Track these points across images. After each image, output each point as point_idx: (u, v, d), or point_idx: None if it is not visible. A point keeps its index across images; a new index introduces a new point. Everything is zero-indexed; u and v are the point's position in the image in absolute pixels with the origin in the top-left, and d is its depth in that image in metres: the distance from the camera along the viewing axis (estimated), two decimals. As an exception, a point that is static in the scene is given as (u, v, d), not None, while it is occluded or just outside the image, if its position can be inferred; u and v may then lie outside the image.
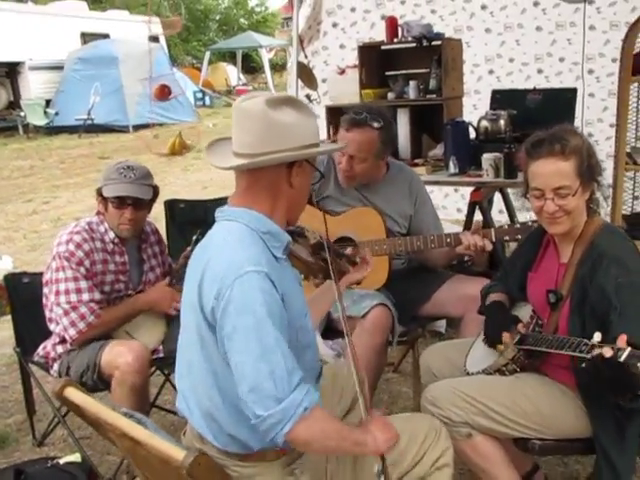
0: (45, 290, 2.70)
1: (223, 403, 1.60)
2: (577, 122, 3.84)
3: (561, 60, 5.01)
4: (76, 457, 2.68)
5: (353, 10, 5.12)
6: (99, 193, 2.69)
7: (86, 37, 18.63)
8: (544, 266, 2.21)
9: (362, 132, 2.73)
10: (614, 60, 3.64)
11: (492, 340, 2.17)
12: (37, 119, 16.23)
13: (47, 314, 2.71)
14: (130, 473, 2.69)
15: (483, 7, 5.07)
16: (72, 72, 16.44)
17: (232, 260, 1.56)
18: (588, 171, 2.00)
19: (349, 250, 2.41)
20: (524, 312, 2.23)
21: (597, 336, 1.76)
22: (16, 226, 7.62)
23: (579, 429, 2.05)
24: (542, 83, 5.03)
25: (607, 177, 3.62)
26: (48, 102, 16.57)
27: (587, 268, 2.00)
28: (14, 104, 17.16)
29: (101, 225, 2.72)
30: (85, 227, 2.68)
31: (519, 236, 2.55)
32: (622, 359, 1.62)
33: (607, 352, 1.67)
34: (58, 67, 16.92)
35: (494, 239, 2.62)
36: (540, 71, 5.15)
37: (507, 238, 2.64)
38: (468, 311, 2.70)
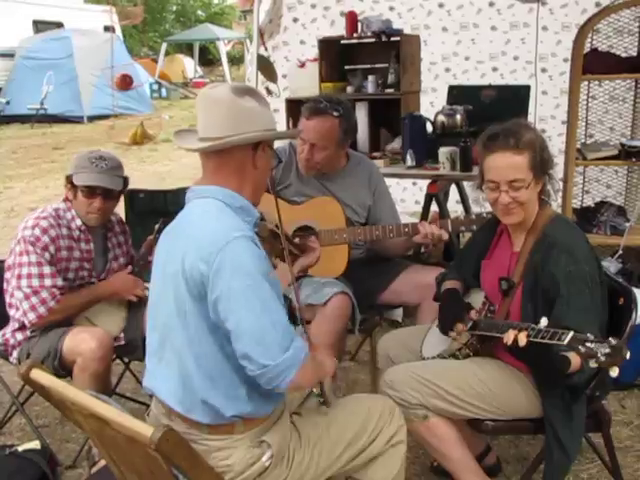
0: (7, 275, 2.68)
1: (198, 370, 1.66)
2: (531, 118, 3.99)
3: (515, 59, 5.18)
4: (35, 444, 2.69)
5: (313, 6, 5.18)
6: (69, 180, 2.69)
7: (39, 25, 18.21)
8: (497, 254, 2.30)
9: (323, 120, 2.78)
10: (565, 60, 3.80)
11: (445, 328, 2.25)
12: (-13, 107, 15.82)
13: (7, 299, 2.69)
14: (90, 459, 2.69)
15: (440, 5, 5.19)
16: (24, 60, 16.04)
17: (217, 229, 1.64)
18: (540, 165, 2.09)
19: (299, 240, 2.48)
20: (477, 299, 2.33)
21: (544, 321, 1.86)
22: (-33, 216, 7.44)
23: (530, 410, 2.15)
24: (497, 80, 5.18)
25: (558, 172, 3.77)
26: (-1, 90, 16.19)
27: (539, 256, 2.10)
28: (-37, 92, 16.71)
29: (68, 212, 2.72)
30: (52, 213, 2.68)
31: (474, 227, 2.64)
32: (565, 341, 1.72)
33: (522, 339, 1.81)
34: (9, 54, 16.49)
35: (450, 229, 2.71)
36: (495, 69, 5.32)
37: (463, 228, 2.74)
38: (424, 299, 2.79)
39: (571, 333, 1.71)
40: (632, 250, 3.83)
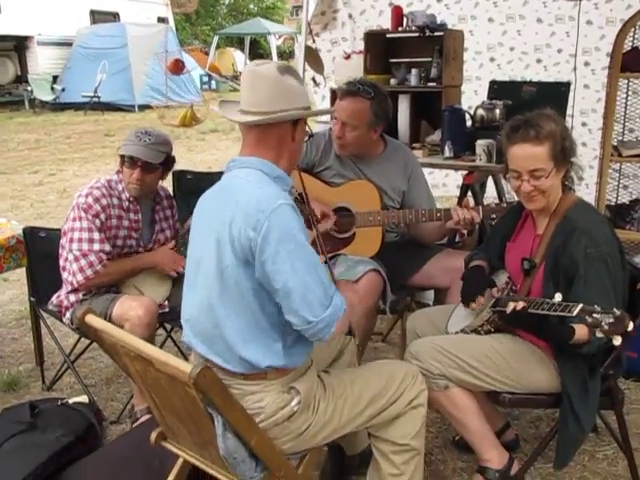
0: (62, 240, 2.89)
1: (236, 326, 1.81)
2: (572, 111, 4.02)
3: (559, 51, 5.21)
4: (83, 399, 2.90)
5: None
6: (118, 153, 2.90)
7: (95, 15, 18.76)
8: (521, 237, 2.41)
9: (354, 101, 2.92)
10: (609, 54, 3.83)
11: (466, 300, 2.38)
12: (44, 94, 16.40)
13: (61, 263, 2.90)
14: (133, 416, 2.90)
15: None
16: (80, 49, 16.60)
17: (262, 196, 1.78)
18: (561, 154, 2.18)
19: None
20: (501, 279, 2.44)
21: (558, 296, 1.97)
22: (23, 195, 7.81)
23: (546, 384, 2.26)
24: (540, 72, 5.25)
25: (594, 164, 3.77)
26: (55, 78, 16.73)
27: (560, 239, 2.20)
28: (21, 78, 17.33)
29: (119, 184, 2.93)
30: (105, 184, 2.89)
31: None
32: (574, 313, 1.84)
33: (519, 305, 1.99)
34: (66, 43, 17.08)
35: (482, 215, 2.81)
36: (539, 61, 5.35)
37: (494, 216, 2.82)
38: (454, 282, 2.88)
39: (580, 305, 1.83)
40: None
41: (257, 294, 1.79)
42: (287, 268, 1.73)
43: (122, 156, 2.88)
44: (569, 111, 4.00)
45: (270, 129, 1.87)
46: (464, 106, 4.99)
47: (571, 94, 3.98)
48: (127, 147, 2.85)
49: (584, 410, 2.18)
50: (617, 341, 1.76)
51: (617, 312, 1.74)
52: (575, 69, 4.08)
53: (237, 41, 28.91)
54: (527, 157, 2.17)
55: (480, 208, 2.85)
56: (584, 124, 5.25)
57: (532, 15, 5.13)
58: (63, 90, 16.19)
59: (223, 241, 1.79)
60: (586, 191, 4.44)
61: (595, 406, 2.23)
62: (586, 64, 4.98)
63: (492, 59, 5.53)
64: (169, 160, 2.99)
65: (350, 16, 5.39)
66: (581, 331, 1.96)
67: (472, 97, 5.06)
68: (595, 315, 1.76)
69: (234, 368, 1.84)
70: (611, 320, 1.73)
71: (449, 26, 4.47)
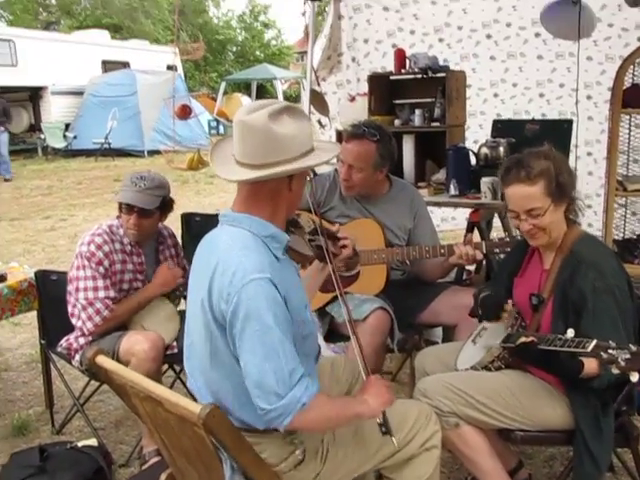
0: (69, 287, 2.93)
1: (231, 390, 1.78)
2: (577, 141, 4.08)
3: (561, 86, 5.31)
4: (92, 442, 2.89)
5: (366, 42, 5.40)
6: (116, 200, 2.95)
7: (107, 65, 19.20)
8: (529, 272, 2.42)
9: (360, 143, 2.97)
10: (609, 89, 3.90)
11: (494, 314, 2.36)
12: (56, 142, 16.70)
13: (70, 309, 2.93)
14: (142, 459, 2.88)
15: (488, 36, 5.36)
16: (92, 97, 16.94)
17: (238, 267, 1.69)
18: (558, 189, 2.18)
19: (333, 227, 2.62)
20: (511, 313, 2.43)
21: (570, 332, 1.96)
22: (34, 240, 7.89)
23: (558, 422, 2.24)
24: (544, 106, 5.37)
25: (600, 192, 3.76)
26: (67, 126, 17.06)
27: (567, 273, 2.21)
28: (35, 127, 17.68)
29: (120, 228, 2.96)
30: (106, 229, 2.93)
31: (508, 249, 2.75)
32: (589, 349, 1.82)
33: (528, 339, 1.96)
34: (79, 92, 17.45)
35: (485, 251, 2.83)
36: (542, 95, 5.46)
37: (497, 250, 2.85)
38: (462, 319, 2.88)
39: (594, 341, 1.82)
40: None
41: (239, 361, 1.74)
42: (248, 349, 1.68)
43: (120, 202, 2.92)
44: (574, 141, 4.06)
45: (263, 184, 1.77)
46: (469, 140, 5.18)
47: (575, 125, 4.04)
48: (123, 194, 2.89)
49: (599, 448, 2.14)
50: (634, 377, 1.73)
51: (633, 348, 1.73)
52: (577, 102, 4.13)
53: (244, 86, 29.42)
54: (521, 198, 2.19)
55: (483, 243, 2.87)
56: (589, 154, 5.35)
57: (532, 52, 5.23)
58: (75, 137, 16.48)
59: (206, 306, 1.76)
60: (595, 218, 4.47)
61: (610, 443, 2.20)
62: (588, 97, 5.08)
63: (495, 95, 5.65)
64: (166, 203, 2.99)
65: (353, 59, 5.50)
66: (590, 365, 1.95)
67: (477, 131, 5.22)
68: (610, 351, 1.75)
69: (236, 424, 1.79)
70: (627, 356, 1.72)
71: (451, 65, 4.57)
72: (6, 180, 12.82)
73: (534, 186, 2.16)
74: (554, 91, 5.35)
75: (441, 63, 4.57)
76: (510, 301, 2.35)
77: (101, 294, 2.84)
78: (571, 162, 4.05)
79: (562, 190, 2.19)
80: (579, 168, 4.99)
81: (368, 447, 1.98)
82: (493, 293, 2.49)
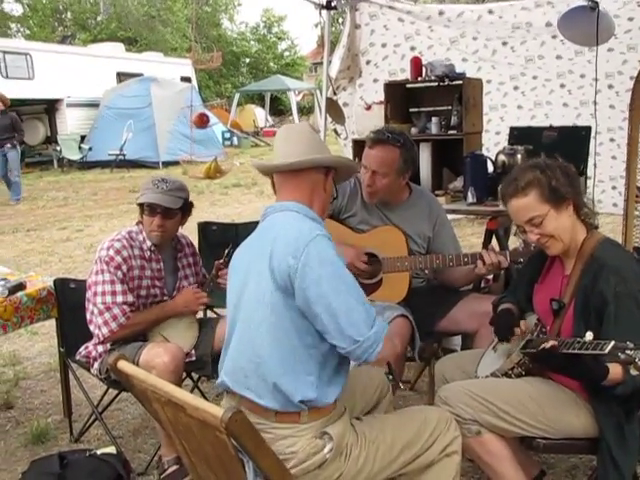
0: (87, 294, 2.93)
1: (274, 357, 1.83)
2: (599, 129, 4.24)
3: (582, 77, 5.33)
4: (111, 450, 2.89)
5: (384, 46, 5.43)
6: (138, 203, 2.96)
7: (122, 77, 19.38)
8: (549, 278, 2.40)
9: (384, 149, 2.97)
10: (631, 77, 3.94)
11: (503, 335, 2.37)
12: (72, 154, 16.85)
13: (88, 316, 2.93)
14: (160, 468, 2.87)
15: (504, 44, 5.36)
16: (107, 109, 17.10)
17: (301, 229, 1.89)
18: (553, 195, 2.18)
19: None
20: (530, 321, 2.42)
21: (589, 335, 1.94)
22: (51, 251, 7.94)
23: (581, 429, 2.20)
24: (565, 96, 5.47)
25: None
26: (83, 138, 17.22)
27: (588, 278, 2.18)
28: (50, 139, 17.86)
29: (140, 234, 2.97)
30: (125, 235, 2.94)
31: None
32: (606, 350, 1.80)
33: (549, 344, 1.92)
34: (94, 104, 17.63)
35: (509, 259, 2.81)
36: (562, 86, 5.50)
37: (521, 259, 2.81)
38: (482, 326, 2.86)
39: (612, 342, 1.80)
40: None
41: (296, 324, 1.83)
42: (330, 290, 1.80)
43: (141, 205, 2.94)
44: (596, 128, 4.15)
45: (304, 176, 2.00)
46: (492, 133, 5.49)
47: (597, 113, 4.11)
48: (146, 196, 2.91)
49: (623, 456, 2.11)
50: None
51: None
52: (595, 92, 4.15)
53: (258, 98, 29.61)
54: (518, 210, 2.23)
55: (507, 252, 2.85)
56: (612, 140, 5.48)
57: (551, 53, 5.23)
58: (90, 149, 16.61)
59: (264, 273, 1.86)
60: (620, 198, 4.54)
61: (635, 453, 2.15)
62: (610, 87, 5.13)
63: (516, 87, 5.71)
64: (187, 205, 3.03)
65: (368, 62, 5.52)
66: (615, 370, 1.92)
67: (500, 123, 5.47)
68: (628, 352, 1.74)
69: (267, 403, 1.84)
70: None
71: (469, 63, 4.56)
72: (14, 201, 11.73)
73: (527, 197, 2.19)
74: (575, 81, 5.40)
75: (459, 63, 4.59)
76: (523, 323, 2.35)
77: (119, 299, 2.84)
78: (590, 159, 4.10)
79: (558, 194, 2.19)
80: (602, 153, 5.13)
81: (389, 451, 1.97)
82: (511, 306, 2.50)
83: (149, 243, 2.97)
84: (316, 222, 1.98)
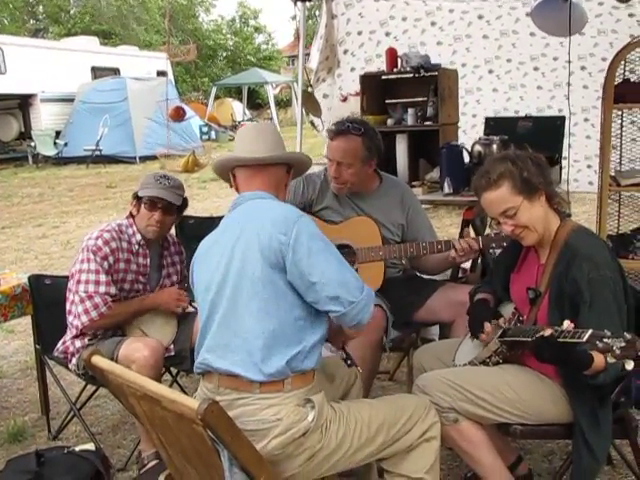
0: (70, 283, 2.90)
1: (262, 332, 1.89)
2: (574, 109, 4.23)
3: (555, 59, 5.44)
4: (90, 446, 2.86)
5: (360, 34, 5.44)
6: (134, 197, 2.95)
7: (97, 71, 19.15)
8: (525, 267, 2.42)
9: (345, 139, 2.97)
10: (603, 59, 4.00)
11: (475, 330, 2.37)
12: (47, 149, 16.62)
13: (67, 306, 2.91)
14: (139, 463, 2.86)
15: (480, 17, 5.46)
16: (82, 104, 16.89)
17: (286, 210, 2.03)
18: (525, 185, 2.19)
19: None
20: (507, 310, 2.44)
21: (566, 323, 1.96)
22: (27, 248, 7.85)
23: (557, 415, 2.23)
24: (539, 79, 5.60)
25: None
26: (58, 133, 16.99)
27: (562, 266, 2.21)
28: (24, 135, 17.61)
29: (130, 228, 2.96)
30: (115, 227, 2.93)
31: (505, 244, 2.75)
32: (584, 338, 1.82)
33: (547, 332, 1.89)
34: (69, 99, 17.38)
35: (482, 245, 2.83)
36: (536, 69, 5.63)
37: (493, 245, 2.84)
38: (459, 316, 2.88)
39: (590, 331, 1.82)
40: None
41: (286, 297, 1.92)
42: (321, 261, 1.92)
43: (139, 199, 2.92)
44: (571, 109, 4.17)
45: (270, 171, 2.12)
46: (469, 115, 5.61)
47: (571, 94, 4.17)
48: (148, 189, 2.90)
49: (596, 439, 2.14)
50: (630, 365, 1.74)
51: (628, 336, 1.73)
52: (569, 73, 4.21)
53: (235, 91, 29.43)
54: (491, 203, 2.25)
55: (480, 238, 2.87)
56: (586, 119, 5.58)
57: (525, 30, 5.31)
58: (66, 145, 16.40)
59: (251, 252, 1.93)
60: (595, 177, 4.51)
61: (608, 435, 2.19)
62: (582, 68, 5.26)
63: (490, 71, 5.79)
64: (184, 203, 3.04)
65: (345, 52, 5.53)
66: (598, 358, 1.93)
67: (475, 106, 5.60)
68: (606, 340, 1.75)
69: (253, 376, 1.87)
70: (622, 344, 1.72)
71: (444, 46, 4.59)
72: None
73: (499, 189, 2.20)
74: (548, 64, 5.52)
75: (434, 47, 4.62)
76: (493, 322, 2.37)
77: (102, 289, 2.82)
78: (565, 139, 4.19)
79: (530, 184, 2.20)
80: (576, 133, 5.25)
81: (367, 429, 2.00)
82: (487, 296, 2.51)
83: (138, 237, 2.96)
84: None
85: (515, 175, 2.20)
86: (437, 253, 2.93)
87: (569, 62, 4.06)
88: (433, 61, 4.50)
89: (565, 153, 4.08)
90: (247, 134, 2.20)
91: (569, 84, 4.14)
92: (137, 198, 2.94)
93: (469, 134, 5.65)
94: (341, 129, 2.99)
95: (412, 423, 2.05)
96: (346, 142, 2.97)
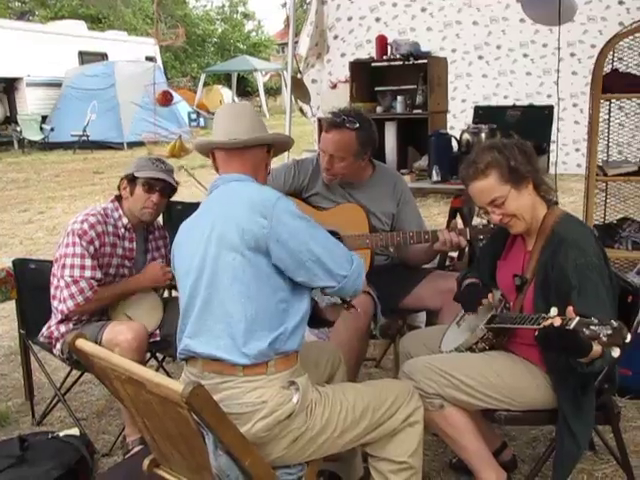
0: (54, 268, 2.87)
1: (246, 315, 1.87)
2: (562, 95, 4.34)
3: (544, 46, 5.51)
4: (74, 432, 2.85)
5: (350, 19, 5.43)
6: (127, 179, 2.89)
7: (84, 56, 18.96)
8: (512, 255, 2.42)
9: (340, 133, 2.93)
10: (593, 46, 4.02)
11: (469, 306, 2.39)
12: (33, 134, 16.46)
13: (52, 291, 2.88)
14: (124, 448, 2.85)
15: (469, 4, 5.48)
16: (69, 89, 16.72)
17: (264, 191, 2.00)
18: (512, 175, 2.20)
19: None
20: (494, 297, 2.43)
21: (553, 311, 1.95)
22: (12, 233, 7.78)
23: (542, 401, 2.25)
24: (528, 65, 5.75)
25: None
26: (44, 118, 16.82)
27: (549, 253, 2.21)
28: (10, 119, 17.41)
29: (116, 211, 2.93)
30: (100, 211, 2.89)
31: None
32: (571, 326, 1.82)
33: (557, 321, 1.87)
34: (55, 84, 17.21)
35: (469, 237, 2.82)
36: (525, 55, 5.68)
37: (481, 237, 2.84)
38: (445, 304, 2.89)
39: (577, 318, 1.81)
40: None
41: (269, 280, 1.90)
42: (309, 238, 1.92)
43: (132, 181, 2.88)
44: (560, 95, 4.22)
45: (250, 153, 2.09)
46: (458, 100, 5.75)
47: (560, 80, 4.21)
48: (146, 171, 2.87)
49: (579, 425, 2.16)
50: (616, 353, 1.74)
51: (614, 323, 1.73)
52: (558, 59, 4.24)
53: (224, 78, 29.25)
54: (480, 192, 2.24)
55: (467, 230, 2.87)
56: (575, 105, 5.76)
57: (515, 17, 5.33)
58: (52, 130, 16.25)
59: (229, 236, 1.90)
60: (583, 160, 4.64)
61: (591, 421, 2.21)
62: (572, 55, 5.39)
63: (480, 57, 5.84)
64: (175, 189, 3.02)
65: (335, 37, 5.52)
66: (596, 347, 1.91)
67: (466, 91, 5.80)
68: (593, 327, 1.75)
69: (237, 359, 1.86)
70: (609, 332, 1.72)
71: (434, 31, 4.60)
72: None
73: (487, 178, 2.20)
74: (537, 50, 5.65)
75: (424, 33, 4.63)
76: (490, 295, 2.37)
77: (87, 273, 2.79)
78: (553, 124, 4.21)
79: (517, 173, 2.20)
80: (565, 118, 5.31)
81: (352, 412, 2.00)
82: (476, 280, 2.51)
83: (125, 221, 2.93)
84: None
85: (502, 164, 2.19)
86: (424, 243, 2.92)
87: (558, 49, 4.07)
88: (423, 47, 4.49)
89: (554, 137, 4.10)
90: (224, 116, 2.17)
91: (558, 71, 4.14)
92: (131, 180, 2.89)
93: (459, 118, 5.68)
94: (336, 122, 2.95)
95: (396, 407, 2.06)
96: (340, 136, 2.93)
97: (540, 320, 1.99)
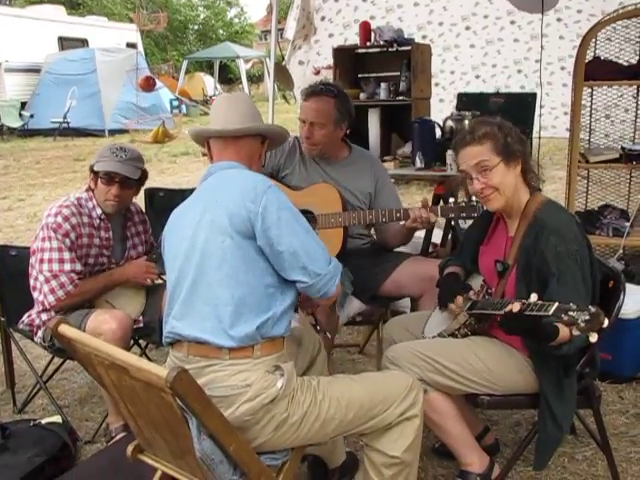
0: (32, 260, 2.84)
1: (233, 299, 1.88)
2: (550, 59, 4.58)
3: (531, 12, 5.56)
4: (57, 419, 2.84)
5: (337, 0, 5.41)
6: (91, 170, 2.86)
7: (64, 42, 18.69)
8: (494, 240, 2.43)
9: (319, 100, 3.01)
10: (579, 11, 4.07)
11: (444, 302, 2.39)
12: (12, 121, 16.22)
13: (32, 282, 2.85)
14: (107, 436, 2.84)
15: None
16: (49, 75, 16.49)
17: (256, 179, 2.01)
18: (505, 149, 2.22)
19: None
20: (476, 282, 2.46)
21: (533, 297, 1.96)
22: (-9, 221, 7.69)
23: (524, 385, 2.27)
24: (515, 32, 5.79)
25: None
26: (23, 104, 16.58)
27: (530, 239, 2.22)
28: (-12, 105, 17.16)
29: (90, 201, 2.89)
30: (74, 202, 2.85)
31: (464, 214, 2.76)
32: (551, 312, 1.84)
33: (515, 307, 1.91)
34: (35, 70, 16.96)
35: (439, 214, 2.83)
36: (513, 22, 5.77)
37: (452, 215, 2.84)
38: (427, 291, 2.89)
39: (556, 304, 1.83)
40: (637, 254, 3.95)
41: (257, 264, 1.92)
42: (289, 231, 1.92)
43: (95, 173, 2.85)
44: (548, 59, 4.28)
45: (244, 142, 2.12)
46: (447, 72, 5.81)
47: (548, 44, 4.32)
48: (103, 163, 2.82)
49: (561, 409, 2.19)
50: (594, 338, 1.77)
51: (592, 309, 1.75)
52: (541, 31, 4.31)
53: (207, 65, 29.01)
54: (469, 156, 2.26)
55: (438, 208, 2.86)
56: (563, 68, 5.72)
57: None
58: (32, 116, 16.03)
59: (219, 220, 1.91)
60: (568, 126, 4.64)
61: (572, 405, 2.24)
62: (558, 20, 5.44)
63: (467, 27, 5.93)
64: (144, 175, 2.97)
65: (323, 19, 5.49)
66: (563, 331, 1.95)
67: (452, 81, 5.79)
68: (571, 313, 1.77)
69: (224, 342, 1.86)
70: (587, 317, 1.74)
71: (421, 5, 4.59)
72: None
73: (481, 145, 2.23)
74: (525, 17, 5.63)
75: (411, 8, 4.62)
76: (463, 295, 2.38)
77: (67, 267, 2.76)
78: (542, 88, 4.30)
79: (510, 150, 2.22)
80: (554, 82, 5.46)
81: (337, 403, 1.98)
82: (456, 269, 2.53)
83: (99, 211, 2.89)
84: None
85: (499, 137, 2.22)
86: (396, 221, 2.94)
87: (542, 14, 4.12)
88: (410, 23, 4.48)
89: (543, 101, 4.14)
90: (221, 105, 2.19)
91: (542, 35, 4.19)
92: (94, 172, 2.86)
93: (448, 90, 5.73)
94: (315, 90, 3.03)
95: (391, 401, 2.03)
96: (319, 102, 3.00)
97: (521, 305, 2.00)
